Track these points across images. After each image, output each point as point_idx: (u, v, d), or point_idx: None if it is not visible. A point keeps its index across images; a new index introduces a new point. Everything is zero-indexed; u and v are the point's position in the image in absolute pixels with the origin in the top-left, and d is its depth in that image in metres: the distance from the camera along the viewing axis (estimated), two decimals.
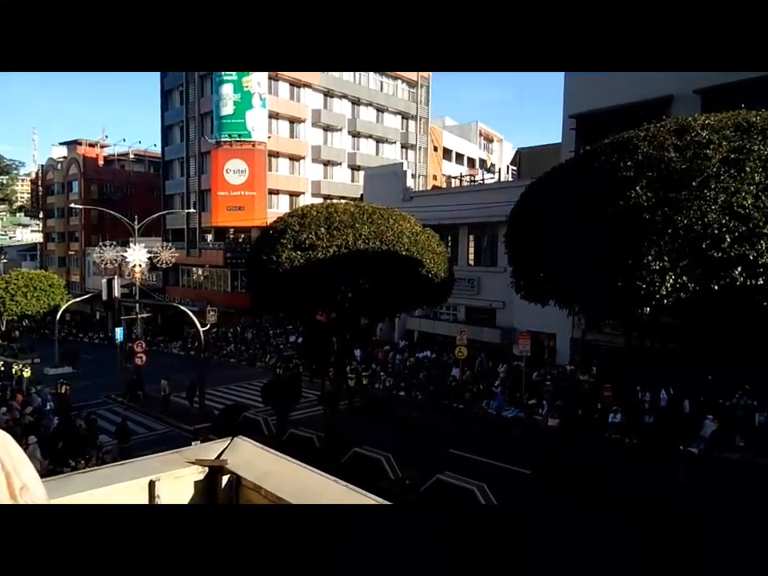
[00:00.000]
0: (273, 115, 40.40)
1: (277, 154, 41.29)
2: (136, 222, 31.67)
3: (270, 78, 39.70)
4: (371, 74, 46.87)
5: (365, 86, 46.72)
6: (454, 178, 44.36)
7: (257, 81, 38.26)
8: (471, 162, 55.86)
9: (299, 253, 13.48)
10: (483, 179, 39.83)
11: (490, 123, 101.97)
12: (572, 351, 22.92)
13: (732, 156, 7.70)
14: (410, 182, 31.82)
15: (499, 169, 48.73)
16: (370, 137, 47.31)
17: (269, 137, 39.60)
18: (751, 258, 7.17)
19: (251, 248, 18.54)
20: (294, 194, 42.69)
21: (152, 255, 35.24)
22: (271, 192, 40.91)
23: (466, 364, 23.71)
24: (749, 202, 7.28)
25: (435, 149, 51.62)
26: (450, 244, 25.08)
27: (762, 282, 7.20)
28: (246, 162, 38.86)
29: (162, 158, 48.30)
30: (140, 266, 31.25)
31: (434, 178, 50.18)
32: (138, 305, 31.34)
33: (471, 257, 27.35)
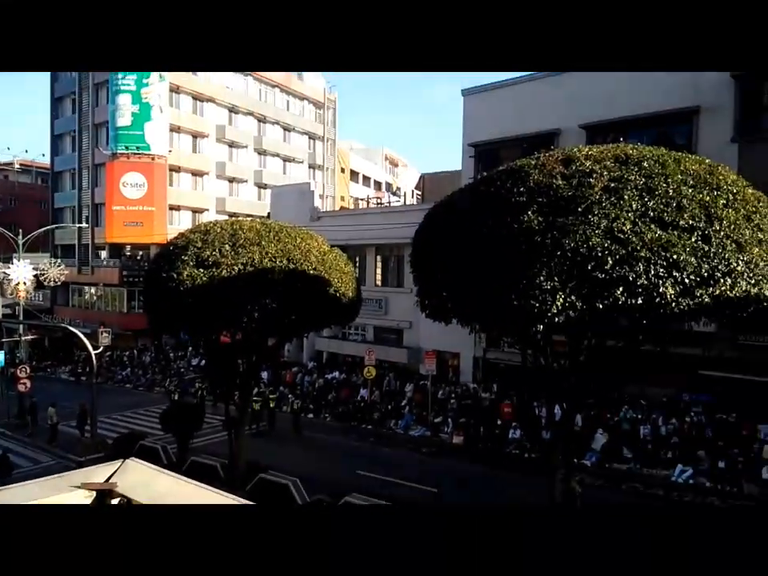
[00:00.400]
0: (174, 129, 39.13)
1: (178, 169, 39.94)
2: (20, 237, 29.29)
3: (171, 90, 38.51)
4: (277, 92, 46.77)
5: (271, 103, 46.46)
6: (362, 199, 44.93)
7: (157, 92, 36.96)
8: (378, 184, 56.96)
9: (202, 270, 13.00)
10: (389, 202, 40.69)
11: (395, 148, 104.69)
12: (474, 369, 23.71)
13: (612, 185, 8.42)
14: (317, 202, 31.84)
15: (404, 192, 50.01)
16: (277, 155, 46.98)
17: (170, 150, 38.24)
18: (630, 278, 7.84)
19: (150, 265, 17.67)
20: (197, 211, 41.36)
21: (38, 272, 32.77)
22: (172, 208, 39.40)
23: (375, 384, 23.82)
24: (627, 227, 7.98)
25: (342, 170, 52.17)
26: (357, 265, 25.26)
27: (640, 302, 7.87)
28: (144, 175, 37.20)
29: (51, 169, 45.28)
30: (24, 283, 28.87)
31: (342, 198, 50.62)
32: (21, 326, 28.93)
33: (379, 277, 27.72)
